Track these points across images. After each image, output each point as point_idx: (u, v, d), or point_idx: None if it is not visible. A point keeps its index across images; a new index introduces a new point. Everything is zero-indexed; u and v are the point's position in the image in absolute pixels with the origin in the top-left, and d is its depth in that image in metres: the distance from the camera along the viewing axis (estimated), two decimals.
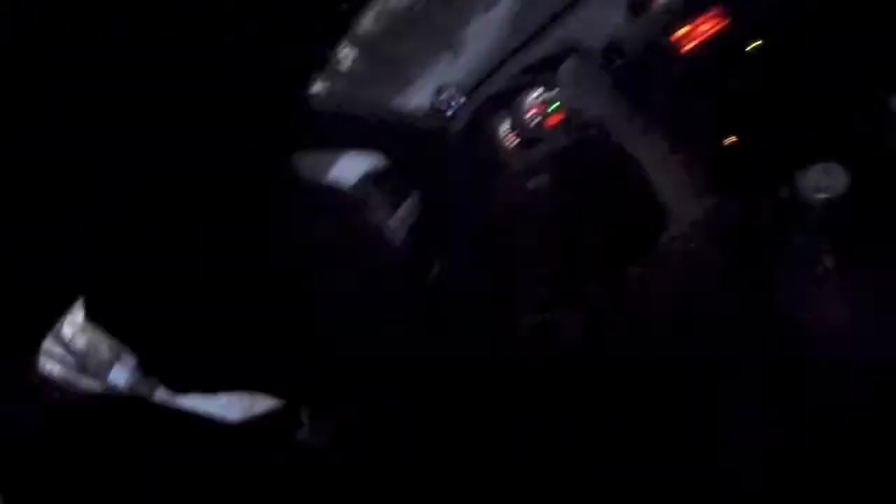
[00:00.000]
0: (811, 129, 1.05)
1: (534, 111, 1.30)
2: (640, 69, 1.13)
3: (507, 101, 1.29)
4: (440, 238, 1.46)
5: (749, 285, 0.73)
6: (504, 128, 1.29)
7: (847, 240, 0.96)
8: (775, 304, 0.81)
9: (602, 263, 0.97)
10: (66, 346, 6.05)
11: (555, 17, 1.34)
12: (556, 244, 1.11)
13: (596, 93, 1.13)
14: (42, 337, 0.51)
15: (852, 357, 0.83)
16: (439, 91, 1.35)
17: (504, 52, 1.43)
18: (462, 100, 1.35)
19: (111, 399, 0.52)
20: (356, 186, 1.31)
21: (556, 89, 1.26)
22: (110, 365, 5.83)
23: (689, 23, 1.13)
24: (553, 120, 1.29)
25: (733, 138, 1.12)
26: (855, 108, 1.07)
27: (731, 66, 1.17)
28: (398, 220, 1.46)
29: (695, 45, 1.15)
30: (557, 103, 1.27)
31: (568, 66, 1.19)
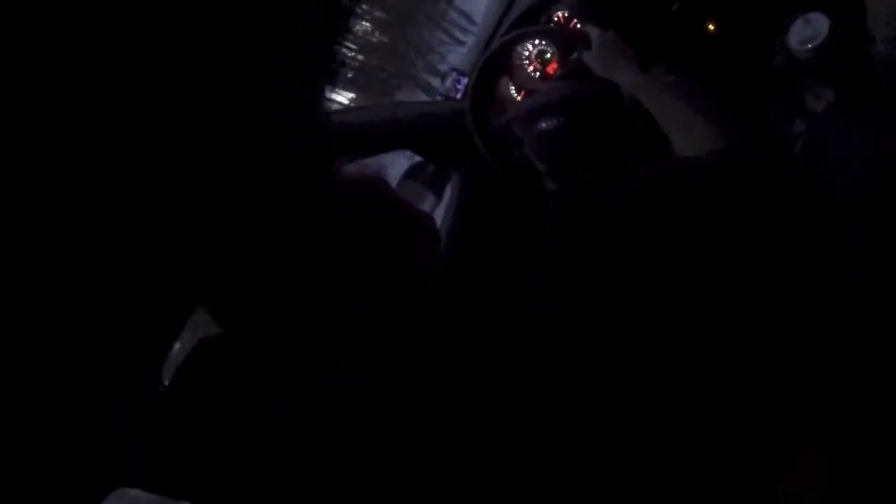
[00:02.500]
0: None
1: (532, 66, 1.39)
2: None
3: (502, 64, 1.39)
4: (488, 212, 1.56)
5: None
6: (509, 89, 1.39)
7: (844, 77, 1.00)
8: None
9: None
10: None
11: None
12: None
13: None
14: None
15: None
16: (443, 78, 1.47)
17: (491, 26, 1.54)
18: (465, 80, 1.46)
19: None
20: (398, 184, 1.43)
21: (544, 41, 1.35)
22: None
23: None
24: (551, 68, 1.38)
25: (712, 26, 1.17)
26: None
27: None
28: (444, 207, 1.57)
29: None
30: (549, 53, 1.36)
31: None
